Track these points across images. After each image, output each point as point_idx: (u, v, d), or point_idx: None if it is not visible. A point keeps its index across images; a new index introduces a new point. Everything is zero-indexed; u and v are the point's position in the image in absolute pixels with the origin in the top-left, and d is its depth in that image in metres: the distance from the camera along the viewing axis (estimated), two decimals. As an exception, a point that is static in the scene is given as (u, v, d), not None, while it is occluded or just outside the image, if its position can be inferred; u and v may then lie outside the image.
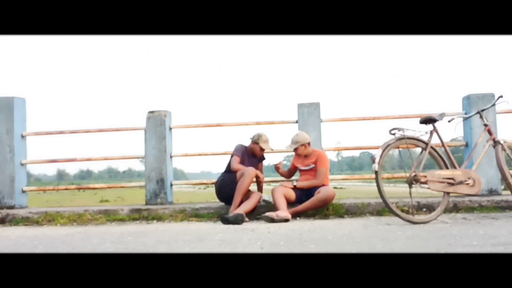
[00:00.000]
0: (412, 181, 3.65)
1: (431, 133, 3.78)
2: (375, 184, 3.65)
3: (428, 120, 3.79)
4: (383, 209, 4.26)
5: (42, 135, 5.47)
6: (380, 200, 4.38)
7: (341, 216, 4.26)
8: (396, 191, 10.85)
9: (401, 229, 3.28)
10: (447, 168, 3.73)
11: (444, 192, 3.71)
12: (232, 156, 4.53)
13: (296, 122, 5.03)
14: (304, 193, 4.37)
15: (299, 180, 4.50)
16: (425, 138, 3.76)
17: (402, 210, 3.96)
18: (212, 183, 4.88)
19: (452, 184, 3.66)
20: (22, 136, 5.32)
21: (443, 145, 3.90)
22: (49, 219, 4.56)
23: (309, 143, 4.49)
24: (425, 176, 3.64)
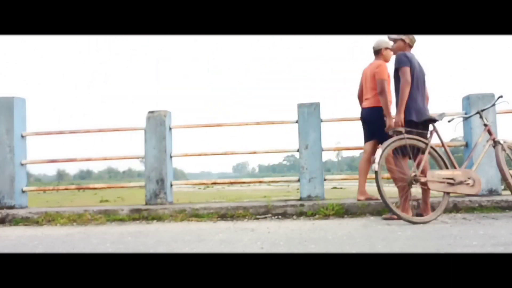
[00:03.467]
0: (412, 181, 3.65)
1: (431, 133, 3.78)
2: (375, 184, 3.65)
3: (428, 120, 3.79)
4: (383, 209, 4.26)
5: (42, 135, 5.47)
6: (380, 200, 4.38)
7: (341, 216, 4.26)
8: (396, 191, 10.84)
9: (401, 229, 3.28)
10: (447, 168, 3.73)
11: (444, 192, 3.71)
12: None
13: (296, 122, 5.03)
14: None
15: None
16: (425, 138, 3.76)
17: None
18: (212, 183, 4.88)
19: (452, 184, 3.66)
20: (22, 136, 5.32)
21: (443, 145, 3.90)
22: (49, 219, 4.56)
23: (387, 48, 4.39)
24: (425, 176, 3.64)
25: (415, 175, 3.64)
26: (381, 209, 4.28)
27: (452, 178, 3.66)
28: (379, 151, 3.62)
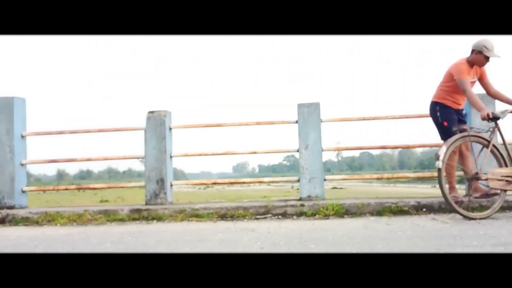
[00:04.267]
0: (473, 179, 3.76)
1: (494, 130, 3.82)
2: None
3: (491, 118, 3.81)
4: (383, 209, 4.26)
5: (42, 135, 5.47)
6: (380, 200, 4.39)
7: (341, 216, 4.26)
8: (396, 191, 10.85)
9: (401, 229, 3.28)
10: (506, 166, 3.79)
11: (501, 190, 3.77)
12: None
13: (296, 122, 5.04)
14: None
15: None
16: (487, 135, 3.81)
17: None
18: (212, 183, 4.88)
19: (510, 182, 3.72)
20: (22, 136, 5.32)
21: (504, 143, 3.92)
22: (49, 219, 4.57)
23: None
24: (486, 174, 3.71)
25: (477, 173, 3.73)
26: (381, 209, 4.28)
27: (511, 176, 3.72)
28: (443, 149, 3.66)
